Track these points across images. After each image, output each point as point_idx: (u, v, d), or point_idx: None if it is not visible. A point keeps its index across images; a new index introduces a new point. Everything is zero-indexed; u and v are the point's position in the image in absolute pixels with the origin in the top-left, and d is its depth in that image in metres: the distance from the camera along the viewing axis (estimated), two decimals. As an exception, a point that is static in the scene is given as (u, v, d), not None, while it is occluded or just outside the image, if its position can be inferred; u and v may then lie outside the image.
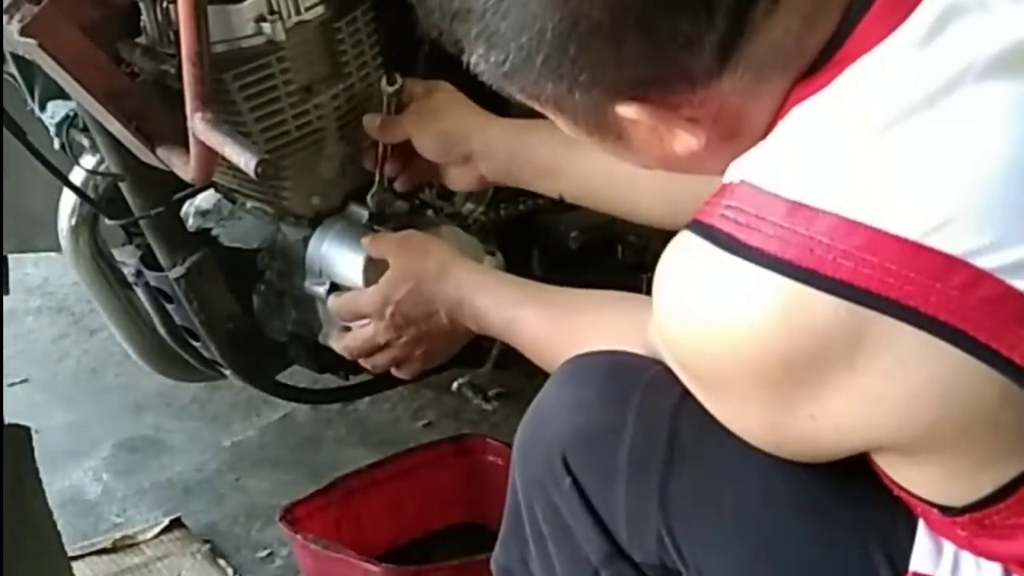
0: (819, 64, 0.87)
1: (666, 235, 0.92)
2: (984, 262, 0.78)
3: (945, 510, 0.90)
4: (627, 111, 0.88)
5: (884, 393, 0.82)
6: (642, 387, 1.03)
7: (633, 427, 1.01)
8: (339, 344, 1.46)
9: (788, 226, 0.81)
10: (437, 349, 1.41)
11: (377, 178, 1.46)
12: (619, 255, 1.77)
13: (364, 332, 1.40)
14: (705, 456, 0.99)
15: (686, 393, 0.97)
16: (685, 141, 0.90)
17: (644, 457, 1.01)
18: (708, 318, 0.86)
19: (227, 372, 1.66)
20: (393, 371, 1.44)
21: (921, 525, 0.95)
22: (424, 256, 1.37)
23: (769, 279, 0.81)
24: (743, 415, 0.92)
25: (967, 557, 0.93)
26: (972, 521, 0.89)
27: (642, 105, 0.88)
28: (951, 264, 0.78)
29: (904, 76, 0.83)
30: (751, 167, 0.86)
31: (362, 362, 1.45)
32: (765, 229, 0.82)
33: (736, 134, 0.90)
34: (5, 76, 1.48)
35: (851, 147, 0.82)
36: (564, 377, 1.08)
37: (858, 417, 0.85)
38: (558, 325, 1.25)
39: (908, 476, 0.91)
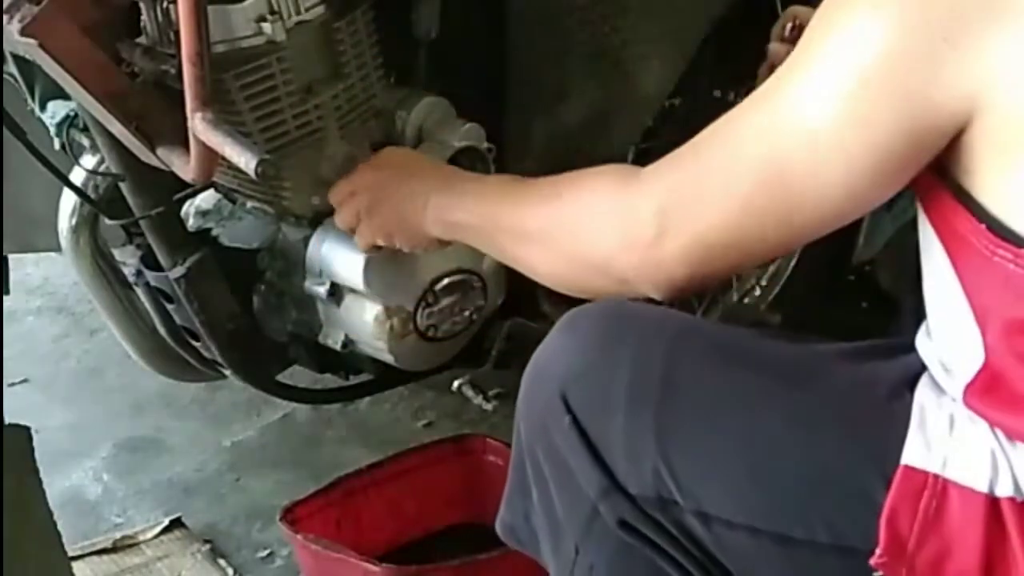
0: None
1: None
2: None
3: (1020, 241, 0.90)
4: None
5: None
6: (637, 330, 1.08)
7: (629, 365, 1.06)
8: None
9: None
10: (389, 223, 1.36)
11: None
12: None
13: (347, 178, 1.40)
14: (698, 390, 1.04)
15: (679, 335, 1.05)
16: None
17: (640, 393, 1.05)
18: None
19: (227, 372, 1.66)
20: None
21: (912, 425, 0.97)
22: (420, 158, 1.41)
23: None
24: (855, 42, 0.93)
25: (955, 455, 0.96)
26: None
27: None
28: None
29: None
30: None
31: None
32: None
33: None
34: (5, 76, 1.48)
35: None
36: (563, 326, 1.12)
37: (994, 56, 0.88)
38: (542, 199, 1.21)
39: (996, 187, 0.91)
